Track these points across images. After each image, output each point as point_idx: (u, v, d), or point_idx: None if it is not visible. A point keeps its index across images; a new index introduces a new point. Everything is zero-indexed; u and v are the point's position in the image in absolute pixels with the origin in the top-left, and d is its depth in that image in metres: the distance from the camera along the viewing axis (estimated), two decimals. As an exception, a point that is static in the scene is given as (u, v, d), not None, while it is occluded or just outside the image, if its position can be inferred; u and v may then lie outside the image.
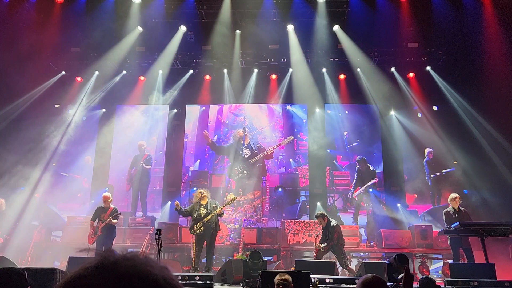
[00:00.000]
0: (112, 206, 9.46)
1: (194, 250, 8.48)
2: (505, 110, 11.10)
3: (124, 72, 14.08)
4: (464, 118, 12.75)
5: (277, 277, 4.44)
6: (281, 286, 4.36)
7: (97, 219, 9.34)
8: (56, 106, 14.34)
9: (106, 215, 9.23)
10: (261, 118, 14.34)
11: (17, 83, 12.37)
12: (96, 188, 13.35)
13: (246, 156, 13.13)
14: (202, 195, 8.60)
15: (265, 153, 13.11)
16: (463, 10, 11.72)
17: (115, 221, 9.25)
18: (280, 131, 14.16)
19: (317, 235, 9.68)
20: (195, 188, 11.81)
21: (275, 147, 13.20)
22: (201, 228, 8.33)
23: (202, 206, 8.53)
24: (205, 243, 8.48)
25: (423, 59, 13.32)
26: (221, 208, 8.51)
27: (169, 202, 13.11)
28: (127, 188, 13.37)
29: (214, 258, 9.05)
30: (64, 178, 13.51)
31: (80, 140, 13.94)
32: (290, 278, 4.43)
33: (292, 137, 13.17)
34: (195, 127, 14.51)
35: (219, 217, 8.74)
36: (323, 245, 8.91)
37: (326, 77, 13.81)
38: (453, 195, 9.14)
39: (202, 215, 8.41)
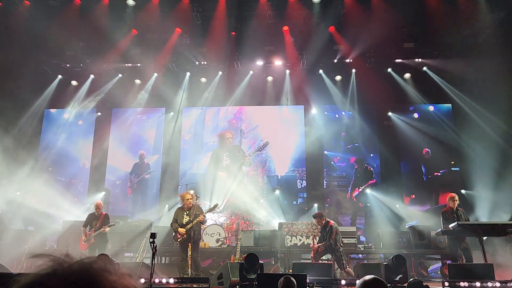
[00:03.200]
0: (104, 212, 9.62)
1: (180, 255, 8.40)
2: (503, 108, 11.09)
3: (120, 75, 14.04)
4: (461, 117, 12.74)
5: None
6: None
7: (88, 226, 9.44)
8: (52, 110, 14.29)
9: (99, 222, 9.37)
10: (257, 120, 14.29)
11: (14, 88, 12.31)
12: (93, 192, 13.30)
13: (226, 165, 13.25)
14: (187, 200, 8.47)
15: (243, 160, 13.14)
16: (457, 9, 11.71)
17: (107, 229, 9.42)
18: (277, 132, 14.10)
19: (314, 236, 9.61)
20: (192, 191, 11.77)
21: (251, 154, 13.21)
22: (184, 236, 8.25)
23: (185, 214, 8.43)
24: (189, 246, 8.36)
25: (419, 59, 13.32)
26: (203, 215, 8.42)
27: (166, 205, 13.06)
28: (129, 192, 13.59)
29: (200, 264, 8.92)
30: (60, 183, 13.44)
31: (76, 144, 13.89)
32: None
33: (268, 142, 13.17)
34: (192, 129, 14.47)
35: (202, 224, 8.64)
36: (319, 244, 8.89)
37: (323, 78, 13.80)
38: (451, 195, 9.08)
39: (184, 222, 8.33)
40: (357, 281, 2.47)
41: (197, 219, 8.25)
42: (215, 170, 13.51)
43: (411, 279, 5.76)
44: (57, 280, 0.66)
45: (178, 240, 8.29)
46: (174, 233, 8.45)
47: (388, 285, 6.49)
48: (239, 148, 13.51)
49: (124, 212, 13.02)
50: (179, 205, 8.77)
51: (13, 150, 12.37)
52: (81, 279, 0.67)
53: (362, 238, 11.92)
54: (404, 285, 6.64)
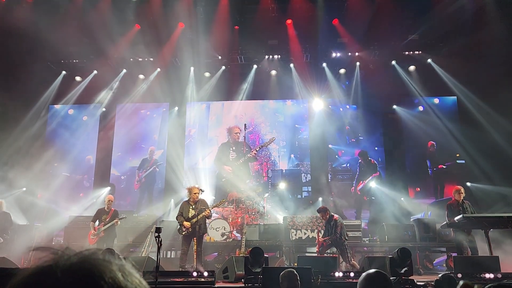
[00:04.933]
0: (113, 208, 9.67)
1: (182, 248, 8.43)
2: (508, 100, 11.00)
3: (124, 70, 14.08)
4: (466, 110, 12.66)
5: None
6: None
7: (97, 221, 9.48)
8: (57, 106, 14.35)
9: (108, 217, 9.39)
10: (261, 114, 14.28)
11: (18, 84, 12.36)
12: (98, 188, 13.38)
13: (232, 159, 13.36)
14: (194, 194, 8.48)
15: (249, 155, 13.17)
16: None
17: (119, 222, 9.49)
18: (281, 127, 14.10)
19: (319, 230, 9.62)
20: (197, 185, 11.80)
21: (257, 149, 13.21)
22: (189, 229, 8.27)
23: (191, 207, 8.45)
24: (193, 241, 8.39)
25: (423, 51, 13.22)
26: (209, 210, 8.43)
27: (172, 200, 13.09)
28: (136, 187, 13.72)
29: (203, 256, 8.94)
30: (66, 178, 13.52)
31: (81, 140, 13.96)
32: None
33: (274, 138, 13.16)
34: (196, 124, 14.48)
35: (207, 219, 8.63)
36: (325, 238, 8.90)
37: (327, 72, 13.75)
38: (457, 187, 9.05)
39: (190, 216, 8.34)
40: (362, 274, 2.50)
41: (203, 213, 8.27)
42: (221, 164, 13.56)
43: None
44: (59, 271, 0.67)
45: (183, 233, 8.33)
46: (179, 227, 8.48)
47: (392, 278, 6.50)
48: (245, 143, 13.55)
49: (129, 207, 13.10)
50: (185, 199, 8.80)
51: (19, 146, 12.46)
52: (82, 270, 0.67)
53: (367, 231, 11.88)
54: (409, 278, 6.64)
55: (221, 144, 13.93)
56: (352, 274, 6.79)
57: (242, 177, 13.00)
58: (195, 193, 8.49)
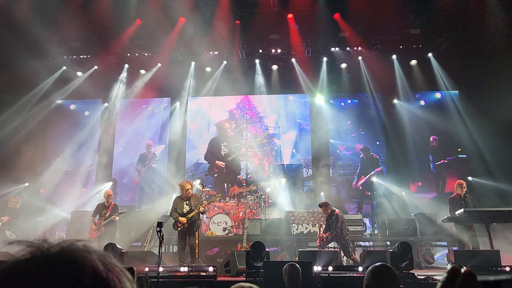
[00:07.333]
0: (113, 203, 9.71)
1: (180, 244, 8.45)
2: (508, 94, 10.97)
3: (126, 65, 14.09)
4: (468, 104, 12.63)
5: None
6: None
7: (97, 215, 9.54)
8: (58, 102, 14.36)
9: (108, 212, 9.46)
10: (262, 109, 14.27)
11: (18, 79, 12.37)
12: (100, 183, 13.41)
13: (224, 154, 13.41)
14: (186, 190, 8.46)
15: (240, 151, 13.19)
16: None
17: (117, 218, 9.56)
18: (282, 121, 14.09)
19: (321, 225, 9.65)
20: (198, 180, 11.86)
21: (251, 144, 13.21)
22: (185, 225, 8.28)
23: (185, 203, 8.44)
24: (196, 235, 8.42)
25: (425, 45, 13.17)
26: (203, 206, 8.44)
27: (174, 195, 13.10)
28: (135, 182, 13.72)
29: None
30: (68, 173, 13.57)
31: (83, 135, 13.98)
32: None
33: (267, 133, 13.15)
34: (197, 119, 14.48)
35: (202, 214, 8.60)
36: (326, 234, 8.91)
37: (328, 66, 13.71)
38: (459, 182, 9.08)
39: (185, 211, 8.35)
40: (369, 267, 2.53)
41: (200, 209, 8.26)
42: (214, 159, 13.58)
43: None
44: (36, 264, 0.65)
45: (179, 229, 8.35)
46: (174, 222, 8.49)
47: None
48: (237, 138, 13.61)
49: (131, 202, 13.14)
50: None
51: (21, 142, 12.49)
52: (60, 261, 0.66)
53: (368, 226, 11.91)
54: (410, 271, 6.66)
55: (212, 139, 13.94)
56: (360, 269, 6.78)
57: (235, 172, 13.06)
58: (187, 189, 8.47)
